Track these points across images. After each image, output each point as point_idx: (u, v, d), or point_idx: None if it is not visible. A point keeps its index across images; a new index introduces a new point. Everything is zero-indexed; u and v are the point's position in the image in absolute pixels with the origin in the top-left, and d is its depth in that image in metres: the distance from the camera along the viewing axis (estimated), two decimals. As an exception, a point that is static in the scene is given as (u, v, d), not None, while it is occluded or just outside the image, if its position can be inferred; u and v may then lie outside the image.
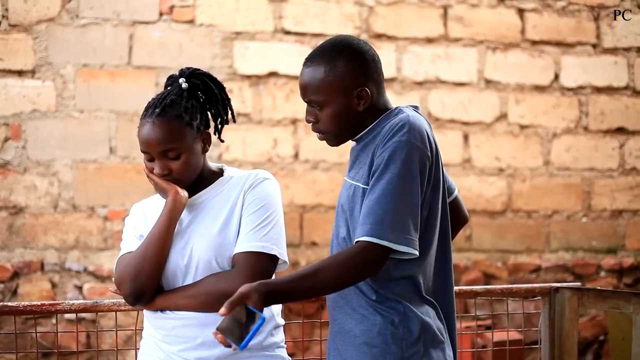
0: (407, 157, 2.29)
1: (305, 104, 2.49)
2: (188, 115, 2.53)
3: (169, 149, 2.50)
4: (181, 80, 2.60)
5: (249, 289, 2.19)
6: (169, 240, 2.51)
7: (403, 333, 2.34)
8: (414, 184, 2.30)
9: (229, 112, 2.67)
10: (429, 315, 2.39)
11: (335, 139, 2.48)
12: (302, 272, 2.29)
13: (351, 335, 2.39)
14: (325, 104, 2.42)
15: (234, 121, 2.70)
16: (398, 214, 2.27)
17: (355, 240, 2.30)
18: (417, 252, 2.30)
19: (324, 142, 2.51)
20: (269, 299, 2.20)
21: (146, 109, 2.55)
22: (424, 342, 2.36)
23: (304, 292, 2.30)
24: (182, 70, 2.64)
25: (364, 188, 2.36)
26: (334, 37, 2.50)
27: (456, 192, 2.63)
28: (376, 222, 2.27)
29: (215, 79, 2.66)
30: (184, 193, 2.53)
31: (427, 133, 2.37)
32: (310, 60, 2.47)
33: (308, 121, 2.48)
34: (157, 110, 2.52)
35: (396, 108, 2.45)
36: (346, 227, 2.43)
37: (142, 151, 2.54)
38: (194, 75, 2.62)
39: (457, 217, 2.61)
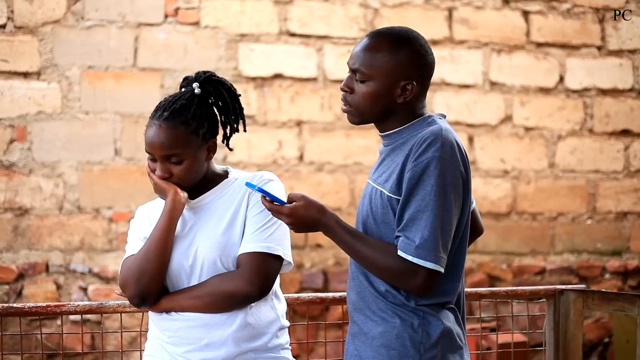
0: (440, 173, 2.29)
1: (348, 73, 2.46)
2: (195, 122, 2.52)
3: (171, 154, 2.51)
4: (195, 85, 2.57)
5: (319, 205, 2.37)
6: (170, 241, 2.51)
7: (422, 337, 2.34)
8: (448, 201, 2.30)
9: (240, 122, 2.66)
10: (449, 320, 2.38)
11: (358, 117, 2.46)
12: (358, 235, 2.38)
13: (370, 337, 2.39)
14: (370, 79, 2.40)
15: (245, 131, 2.68)
16: (435, 232, 2.28)
17: (399, 250, 2.30)
18: (442, 270, 2.31)
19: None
20: (321, 222, 2.36)
21: (155, 110, 2.54)
22: (443, 346, 2.35)
23: (344, 247, 2.39)
24: (198, 73, 2.61)
25: (389, 196, 2.36)
26: (408, 27, 2.48)
27: (474, 204, 2.62)
28: (421, 243, 2.28)
29: (230, 87, 2.64)
30: (183, 193, 2.53)
31: (458, 146, 2.36)
32: (377, 35, 2.45)
33: (343, 89, 2.45)
34: (165, 113, 2.51)
35: (429, 116, 2.43)
36: (363, 228, 2.43)
37: (147, 151, 2.54)
38: (208, 81, 2.59)
39: (473, 229, 2.60)
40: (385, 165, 2.43)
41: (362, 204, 2.47)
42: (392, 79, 2.39)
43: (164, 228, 2.50)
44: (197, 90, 2.56)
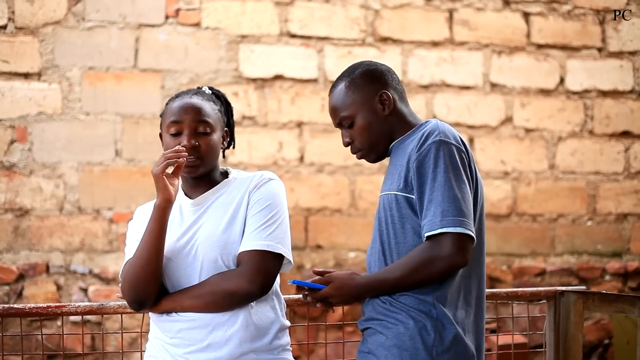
0: (446, 153, 2.37)
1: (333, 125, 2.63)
2: (218, 103, 2.65)
3: (203, 120, 2.55)
4: (204, 87, 2.69)
5: (348, 274, 2.47)
6: (162, 243, 2.50)
7: (434, 340, 2.37)
8: (459, 174, 2.37)
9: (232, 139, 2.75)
10: (463, 326, 2.40)
11: (372, 153, 2.58)
12: (387, 267, 2.43)
13: (383, 337, 2.42)
14: (354, 116, 2.55)
15: (234, 147, 2.77)
16: (453, 201, 2.33)
17: (425, 233, 2.36)
18: (471, 233, 2.34)
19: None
20: (356, 287, 2.46)
21: (177, 95, 2.63)
22: (455, 352, 2.37)
23: (387, 285, 2.43)
24: (199, 87, 2.74)
25: (396, 194, 2.43)
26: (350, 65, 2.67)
27: None
28: (443, 215, 2.33)
29: (229, 103, 2.77)
30: (172, 187, 2.50)
31: (459, 136, 2.45)
32: (332, 87, 2.63)
33: (346, 144, 2.59)
34: (193, 91, 2.63)
35: (426, 121, 2.54)
36: (380, 239, 2.48)
37: (172, 122, 2.56)
38: (213, 89, 2.71)
39: None
40: (389, 172, 2.53)
41: (375, 221, 2.54)
42: (367, 101, 2.55)
43: (153, 231, 2.49)
44: (208, 91, 2.67)
